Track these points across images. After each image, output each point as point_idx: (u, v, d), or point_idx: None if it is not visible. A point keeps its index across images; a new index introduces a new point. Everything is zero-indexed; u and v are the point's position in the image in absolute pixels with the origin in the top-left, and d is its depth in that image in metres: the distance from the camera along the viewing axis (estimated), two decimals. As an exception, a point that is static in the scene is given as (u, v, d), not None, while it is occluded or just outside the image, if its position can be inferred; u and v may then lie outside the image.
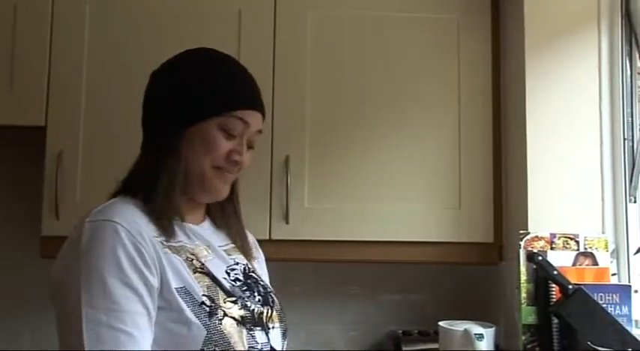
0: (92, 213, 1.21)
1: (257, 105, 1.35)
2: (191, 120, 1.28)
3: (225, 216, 1.43)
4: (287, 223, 2.11)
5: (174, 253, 1.22)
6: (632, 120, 2.01)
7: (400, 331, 2.32)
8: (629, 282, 1.93)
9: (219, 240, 1.39)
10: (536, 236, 1.93)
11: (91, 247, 1.15)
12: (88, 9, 2.18)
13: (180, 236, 1.28)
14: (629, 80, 2.01)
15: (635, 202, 1.98)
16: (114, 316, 1.10)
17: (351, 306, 2.50)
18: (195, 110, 1.28)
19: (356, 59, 2.21)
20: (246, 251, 1.44)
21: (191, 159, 1.28)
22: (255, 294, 1.33)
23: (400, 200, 2.16)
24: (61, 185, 2.09)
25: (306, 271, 2.39)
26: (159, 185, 1.26)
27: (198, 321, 1.17)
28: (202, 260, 1.27)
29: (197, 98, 1.29)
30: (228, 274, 1.31)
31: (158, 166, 1.27)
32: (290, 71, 2.18)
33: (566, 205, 1.99)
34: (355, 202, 2.16)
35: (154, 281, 1.16)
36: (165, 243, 1.22)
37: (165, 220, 1.25)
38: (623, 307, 1.83)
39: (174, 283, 1.18)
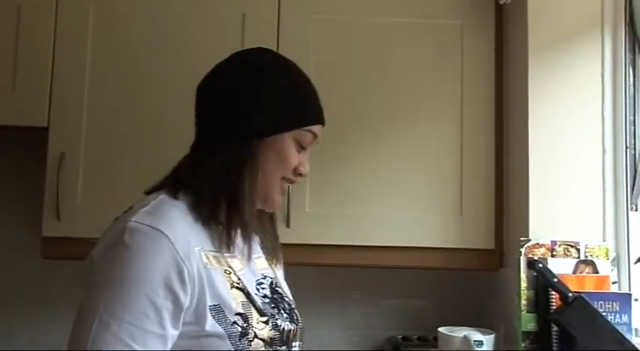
0: (139, 212, 1.16)
1: (323, 119, 1.35)
2: (273, 131, 1.26)
3: (261, 219, 1.39)
4: (288, 227, 2.11)
5: (214, 264, 1.20)
6: (634, 128, 2.01)
7: (400, 337, 2.32)
8: (630, 290, 1.93)
9: (253, 248, 1.35)
10: (537, 243, 1.92)
11: (129, 253, 1.11)
12: (92, 11, 2.18)
13: (222, 246, 1.24)
14: (632, 88, 2.01)
15: (636, 210, 1.98)
16: (125, 329, 1.07)
17: (352, 311, 2.50)
18: (279, 122, 1.26)
19: (359, 64, 2.21)
20: (275, 255, 1.42)
21: (264, 170, 1.26)
22: (282, 311, 1.31)
23: (401, 206, 2.16)
24: (63, 186, 2.10)
25: (307, 276, 2.38)
26: (240, 195, 1.22)
27: (228, 340, 1.15)
28: (239, 274, 1.24)
29: (281, 110, 1.27)
30: (258, 289, 1.29)
31: (236, 175, 1.23)
32: (293, 75, 2.18)
33: (568, 213, 1.99)
34: (356, 207, 2.16)
35: (186, 300, 1.13)
36: (207, 253, 1.19)
37: (248, 231, 1.25)
38: (623, 315, 1.83)
39: (209, 301, 1.15)
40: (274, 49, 2.17)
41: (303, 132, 1.29)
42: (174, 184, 1.26)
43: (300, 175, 1.32)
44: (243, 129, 1.25)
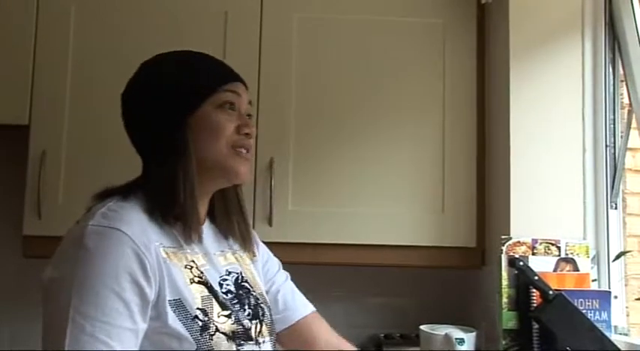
0: (96, 215, 1.17)
1: (238, 77, 1.35)
2: (187, 110, 1.26)
3: (227, 204, 1.40)
4: (270, 225, 2.11)
5: (174, 260, 1.20)
6: (614, 127, 2.02)
7: (382, 335, 2.33)
8: (609, 288, 1.95)
9: (215, 245, 1.36)
10: (518, 241, 1.93)
11: (91, 254, 1.12)
12: (74, 9, 2.17)
13: (181, 242, 1.25)
14: (611, 87, 2.03)
15: (615, 208, 2.00)
16: (99, 328, 1.08)
17: (334, 309, 2.48)
18: (188, 99, 1.27)
19: (341, 62, 2.22)
20: (245, 244, 1.42)
21: (203, 148, 1.26)
22: (246, 307, 1.31)
23: (384, 204, 2.17)
24: (44, 185, 2.09)
25: (289, 274, 2.39)
26: (179, 187, 1.23)
27: (189, 335, 1.16)
28: (201, 269, 1.25)
29: (185, 88, 1.28)
30: (221, 285, 1.29)
31: (172, 169, 1.24)
32: (275, 73, 2.18)
33: (548, 211, 2.00)
34: (339, 206, 2.16)
35: (151, 294, 1.14)
36: (167, 249, 1.20)
37: (189, 222, 1.24)
38: (602, 312, 1.85)
39: (169, 296, 1.16)
40: (256, 47, 2.18)
41: (218, 95, 1.28)
42: (128, 191, 1.26)
43: (246, 134, 1.30)
44: (160, 124, 1.26)
